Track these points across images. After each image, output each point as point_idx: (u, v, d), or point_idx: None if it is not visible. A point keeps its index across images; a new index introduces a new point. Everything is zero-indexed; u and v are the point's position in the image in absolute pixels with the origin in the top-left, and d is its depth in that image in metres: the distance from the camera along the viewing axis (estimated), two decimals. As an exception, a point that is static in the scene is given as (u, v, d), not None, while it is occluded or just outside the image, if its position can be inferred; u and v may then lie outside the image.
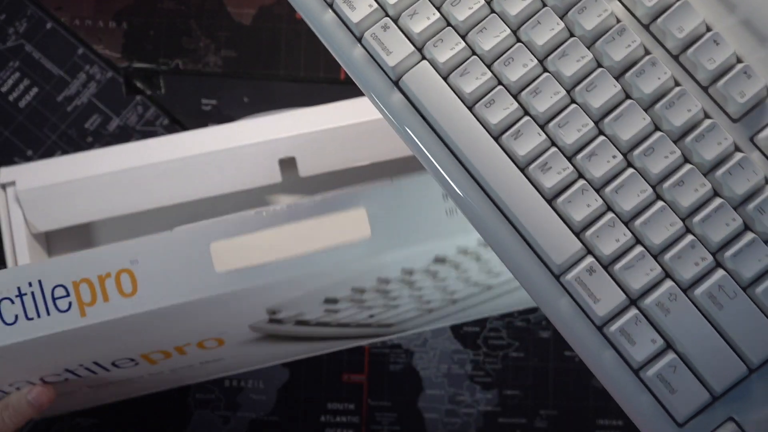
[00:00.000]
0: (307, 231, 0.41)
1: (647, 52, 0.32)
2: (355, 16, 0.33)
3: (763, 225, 0.29)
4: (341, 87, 0.64)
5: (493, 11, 0.33)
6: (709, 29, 0.32)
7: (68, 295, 0.41)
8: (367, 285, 0.44)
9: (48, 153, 0.62)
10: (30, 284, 0.41)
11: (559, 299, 0.31)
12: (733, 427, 0.29)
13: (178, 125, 0.62)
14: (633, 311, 0.30)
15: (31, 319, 0.41)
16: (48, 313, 0.41)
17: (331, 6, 0.34)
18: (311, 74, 0.64)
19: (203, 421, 0.60)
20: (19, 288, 0.41)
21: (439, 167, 0.33)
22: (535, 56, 0.32)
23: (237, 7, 0.64)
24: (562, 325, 0.31)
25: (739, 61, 0.32)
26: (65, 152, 0.62)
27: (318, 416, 0.61)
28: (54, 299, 0.41)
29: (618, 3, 0.33)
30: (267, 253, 0.41)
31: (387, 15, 0.33)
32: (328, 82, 0.64)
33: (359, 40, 0.33)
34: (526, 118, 0.31)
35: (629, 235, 0.30)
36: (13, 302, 0.41)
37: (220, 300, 0.41)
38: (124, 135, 0.62)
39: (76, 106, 0.63)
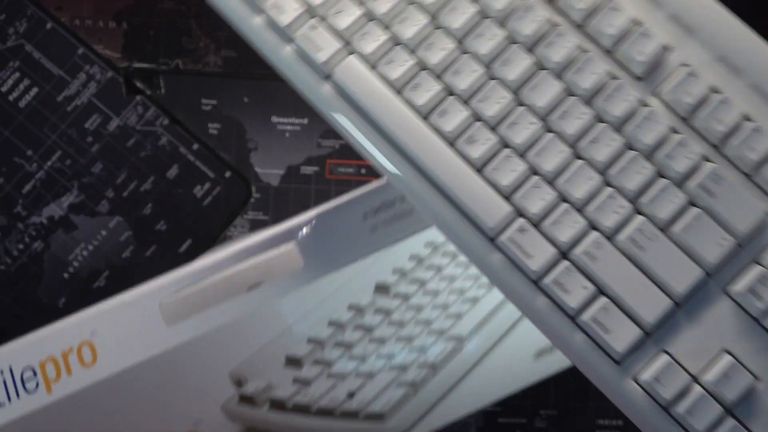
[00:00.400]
0: (245, 272, 0.42)
1: (554, 25, 0.35)
2: (284, 20, 0.36)
3: (673, 170, 0.32)
4: (341, 87, 0.64)
5: (412, 3, 0.36)
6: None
7: (35, 375, 0.43)
8: (322, 334, 0.46)
9: (48, 153, 0.62)
10: (2, 372, 0.43)
11: (495, 259, 0.33)
12: (666, 359, 0.32)
13: (178, 125, 0.62)
14: (564, 263, 0.32)
15: (2, 405, 0.43)
16: (18, 396, 0.43)
17: (260, 11, 0.37)
18: (311, 74, 0.64)
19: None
20: None
21: (375, 151, 0.35)
22: (452, 39, 0.35)
23: (237, 7, 0.64)
24: (500, 283, 0.33)
25: (636, 24, 0.35)
26: (65, 152, 0.62)
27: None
28: (23, 381, 0.43)
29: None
30: (210, 299, 0.42)
31: (314, 16, 0.36)
32: (328, 82, 0.63)
33: (290, 41, 0.36)
34: (450, 97, 0.34)
35: (554, 193, 0.32)
36: None
37: (176, 357, 0.44)
38: (124, 135, 0.62)
39: (76, 106, 0.63)
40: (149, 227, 0.62)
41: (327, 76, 0.35)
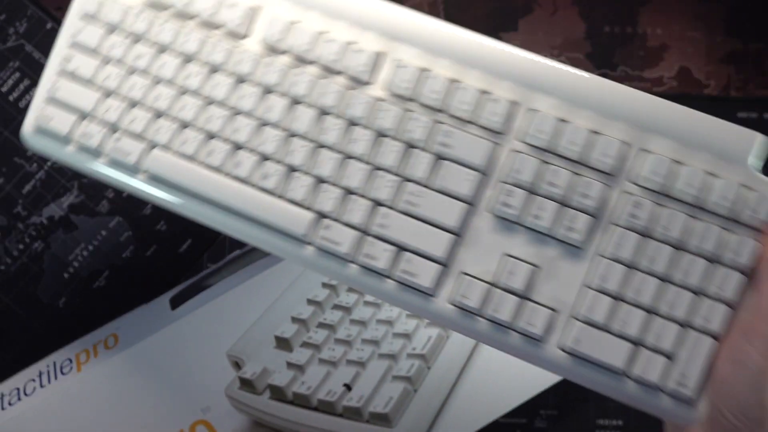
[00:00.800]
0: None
1: (292, 67, 0.42)
2: (94, 142, 0.43)
3: (416, 140, 0.40)
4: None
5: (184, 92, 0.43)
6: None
7: (71, 362, 0.55)
8: (303, 314, 0.52)
9: (48, 153, 0.62)
10: (47, 365, 0.56)
11: (309, 253, 0.41)
12: (465, 278, 0.39)
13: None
14: (368, 238, 0.40)
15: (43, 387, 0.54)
16: (56, 378, 0.54)
17: (71, 141, 0.44)
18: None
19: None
20: None
21: (200, 215, 0.42)
22: (224, 108, 0.42)
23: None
24: (324, 271, 0.41)
25: (351, 43, 0.42)
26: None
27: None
28: (61, 368, 0.54)
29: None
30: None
31: (115, 131, 0.43)
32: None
33: (99, 156, 0.43)
34: (239, 150, 0.42)
35: (339, 190, 0.40)
36: None
37: (178, 335, 0.52)
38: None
39: (77, 106, 0.63)
40: (149, 227, 0.62)
41: (140, 170, 0.43)
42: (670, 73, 0.65)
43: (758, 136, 0.39)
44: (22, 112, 0.62)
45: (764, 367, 0.34)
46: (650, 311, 0.37)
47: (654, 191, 0.38)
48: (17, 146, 0.62)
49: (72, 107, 0.44)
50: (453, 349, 0.53)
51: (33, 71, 0.63)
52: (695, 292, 0.37)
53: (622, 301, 0.37)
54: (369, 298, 0.53)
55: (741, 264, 0.37)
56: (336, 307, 0.53)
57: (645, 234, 0.38)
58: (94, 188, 0.62)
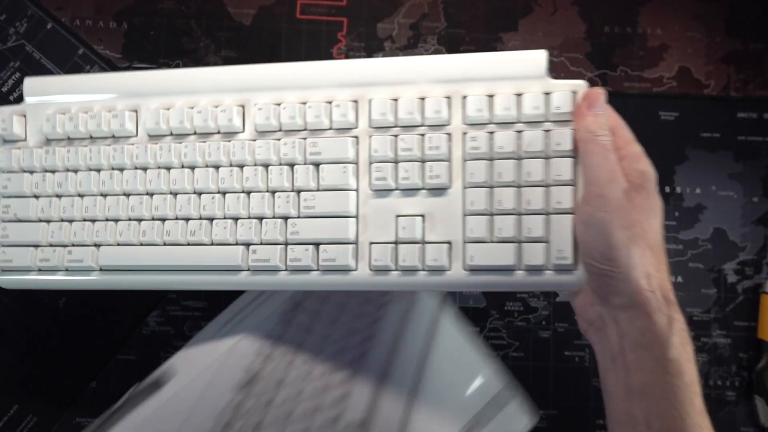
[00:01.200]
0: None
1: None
2: (52, 262, 0.52)
3: (291, 155, 0.49)
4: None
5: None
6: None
7: None
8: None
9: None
10: None
11: (247, 278, 0.49)
12: (375, 246, 0.47)
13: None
14: (288, 247, 0.48)
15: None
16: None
17: (30, 270, 0.52)
18: (311, 74, 0.64)
19: None
20: None
21: (149, 285, 0.51)
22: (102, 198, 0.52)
23: (237, 7, 0.64)
24: (260, 285, 0.49)
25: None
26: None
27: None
28: None
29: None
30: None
31: (63, 246, 0.52)
32: (328, 82, 0.64)
33: (58, 270, 0.52)
34: (162, 222, 0.50)
35: (252, 220, 0.49)
36: None
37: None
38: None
39: (77, 107, 0.63)
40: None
41: (95, 269, 0.51)
42: (670, 73, 0.64)
43: (543, 53, 0.48)
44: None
45: (602, 218, 0.42)
46: (517, 213, 0.46)
47: (482, 123, 0.47)
48: (17, 146, 0.62)
49: (25, 243, 0.52)
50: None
51: (33, 71, 0.63)
52: (544, 186, 0.46)
53: (493, 215, 0.47)
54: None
55: (566, 150, 0.46)
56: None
57: (489, 158, 0.47)
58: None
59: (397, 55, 0.64)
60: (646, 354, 0.42)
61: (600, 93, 0.45)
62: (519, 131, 0.47)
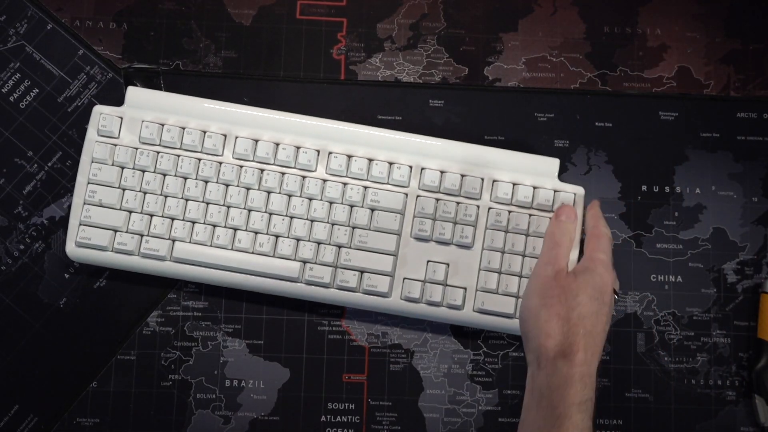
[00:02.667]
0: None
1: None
2: (128, 247, 0.59)
3: (354, 198, 0.60)
4: (341, 87, 0.64)
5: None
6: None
7: None
8: None
9: (49, 154, 0.62)
10: None
11: (302, 288, 0.60)
12: (408, 281, 0.58)
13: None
14: (338, 270, 0.59)
15: None
16: None
17: (106, 249, 0.60)
18: (311, 74, 0.64)
19: (203, 421, 0.60)
20: None
21: (218, 281, 0.60)
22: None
23: (237, 7, 0.64)
24: (311, 295, 0.60)
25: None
26: (66, 153, 0.62)
27: (318, 416, 0.61)
28: None
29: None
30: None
31: (141, 236, 0.60)
32: (328, 83, 0.64)
33: (133, 254, 0.60)
34: (235, 232, 0.60)
35: (313, 243, 0.59)
36: None
37: None
38: (125, 135, 0.62)
39: (77, 107, 0.63)
40: (149, 227, 0.62)
41: (167, 258, 0.60)
42: (670, 73, 0.64)
43: (556, 161, 0.61)
44: (23, 112, 0.62)
45: (529, 288, 0.54)
46: (520, 276, 0.60)
47: (506, 203, 0.60)
48: (18, 147, 0.62)
49: (105, 226, 0.60)
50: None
51: (34, 72, 0.63)
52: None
53: (501, 273, 0.60)
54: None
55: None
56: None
57: (506, 230, 0.60)
58: (95, 189, 0.62)
59: (397, 55, 0.64)
60: (536, 404, 0.51)
61: (569, 209, 0.58)
62: (531, 215, 0.60)
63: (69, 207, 0.61)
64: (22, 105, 0.63)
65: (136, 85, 0.62)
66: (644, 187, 0.63)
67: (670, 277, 0.62)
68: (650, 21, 0.65)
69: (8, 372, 0.61)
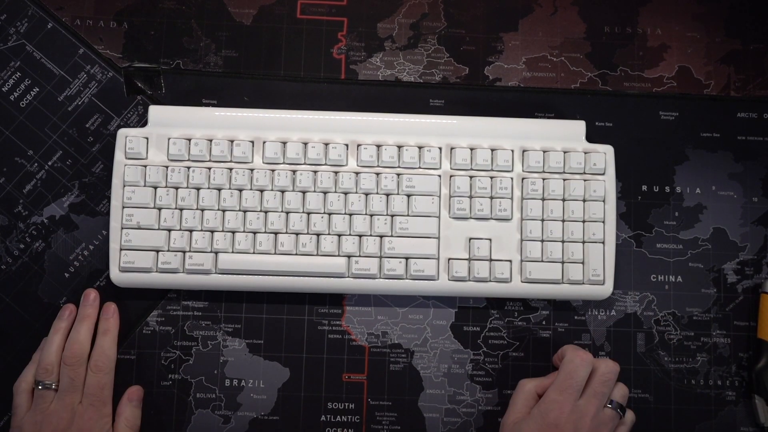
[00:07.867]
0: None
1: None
2: (173, 266, 0.60)
3: (390, 186, 0.61)
4: (341, 87, 0.64)
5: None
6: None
7: None
8: None
9: (49, 153, 0.62)
10: None
11: (350, 283, 0.60)
12: (453, 261, 0.60)
13: (178, 125, 0.62)
14: (384, 259, 0.60)
15: None
16: None
17: (150, 270, 0.60)
18: (312, 74, 0.64)
19: (203, 421, 0.60)
20: None
21: (267, 287, 0.61)
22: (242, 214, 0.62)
23: (237, 7, 0.64)
24: (357, 288, 0.60)
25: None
26: (66, 152, 0.62)
27: (318, 415, 0.60)
28: None
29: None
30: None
31: (183, 252, 0.60)
32: (328, 82, 0.63)
33: (178, 272, 0.60)
34: (276, 236, 0.61)
35: (354, 237, 0.60)
36: None
37: None
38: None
39: (77, 106, 0.63)
40: (150, 227, 0.61)
41: (212, 272, 0.60)
42: (670, 73, 0.64)
43: (582, 123, 0.62)
44: (23, 111, 0.62)
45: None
46: (562, 241, 0.61)
47: (539, 172, 0.62)
48: (18, 146, 0.62)
49: (147, 248, 0.60)
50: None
51: (34, 71, 0.63)
52: (582, 221, 0.61)
53: (544, 241, 0.61)
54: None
55: (599, 196, 0.61)
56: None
57: (542, 198, 0.61)
58: (95, 188, 0.62)
59: (398, 54, 0.64)
60: None
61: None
62: (565, 179, 0.61)
63: (69, 206, 0.61)
64: (23, 104, 0.63)
65: (137, 85, 0.62)
66: (644, 187, 0.63)
67: (670, 277, 0.62)
68: (650, 21, 0.65)
69: (8, 372, 0.60)
